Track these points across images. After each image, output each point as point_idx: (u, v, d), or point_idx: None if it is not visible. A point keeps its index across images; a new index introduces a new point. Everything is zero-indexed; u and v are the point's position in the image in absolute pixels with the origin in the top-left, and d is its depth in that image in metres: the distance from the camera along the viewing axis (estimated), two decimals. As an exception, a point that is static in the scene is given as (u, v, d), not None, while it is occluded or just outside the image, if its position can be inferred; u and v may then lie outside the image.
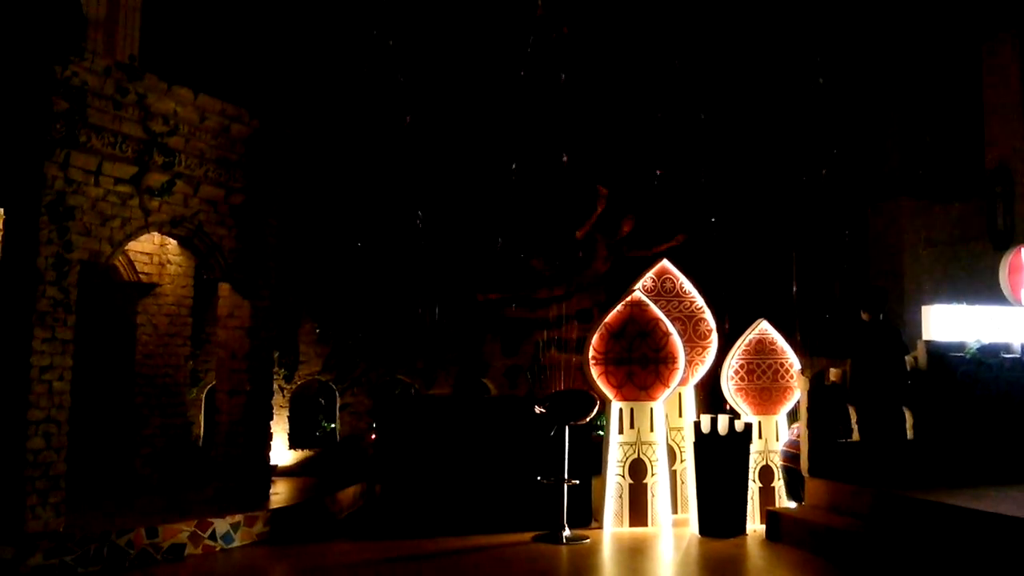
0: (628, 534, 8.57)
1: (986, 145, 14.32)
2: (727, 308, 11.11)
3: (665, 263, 9.69)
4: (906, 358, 8.91)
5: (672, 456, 9.28)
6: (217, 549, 7.60)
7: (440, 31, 14.18)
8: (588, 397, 8.63)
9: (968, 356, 8.82)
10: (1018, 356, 9.00)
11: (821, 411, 8.50)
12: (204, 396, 11.22)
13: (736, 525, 8.50)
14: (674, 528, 8.77)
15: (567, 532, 8.22)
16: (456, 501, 8.78)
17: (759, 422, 9.06)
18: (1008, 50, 14.00)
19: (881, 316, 9.03)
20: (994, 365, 8.88)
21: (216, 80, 9.20)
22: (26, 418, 6.79)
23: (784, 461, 9.01)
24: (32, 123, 6.91)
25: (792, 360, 9.19)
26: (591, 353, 8.90)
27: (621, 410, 8.89)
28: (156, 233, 8.71)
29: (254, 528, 7.97)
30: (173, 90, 7.69)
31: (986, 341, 8.92)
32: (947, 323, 9.01)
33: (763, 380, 9.10)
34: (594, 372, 8.88)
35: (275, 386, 10.41)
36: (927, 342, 8.87)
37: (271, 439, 9.14)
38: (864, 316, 9.09)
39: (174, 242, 9.34)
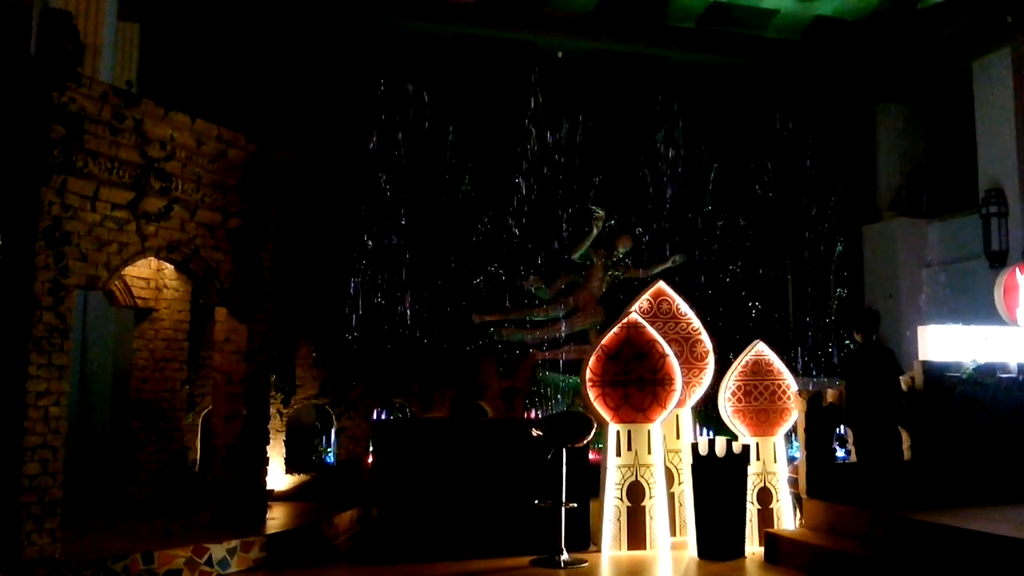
0: (626, 557, 8.54)
1: (980, 163, 14.38)
2: (723, 329, 11.13)
3: (661, 284, 9.68)
4: (902, 379, 8.92)
5: (670, 478, 9.24)
6: (214, 575, 7.56)
7: (435, 56, 14.28)
8: (585, 419, 8.60)
9: (965, 376, 8.81)
10: (1015, 376, 8.99)
11: (819, 432, 8.48)
12: (200, 421, 11.18)
13: (735, 547, 8.46)
14: (673, 551, 8.72)
15: (565, 556, 8.17)
16: (453, 525, 8.74)
17: (757, 444, 9.04)
18: (999, 69, 14.08)
19: (874, 337, 9.05)
20: (991, 385, 8.87)
21: (213, 105, 9.26)
22: (22, 444, 6.75)
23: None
24: (29, 149, 6.91)
25: (789, 381, 9.18)
26: (588, 375, 8.88)
27: (618, 432, 8.86)
28: (153, 258, 8.71)
29: (250, 553, 7.91)
30: (170, 115, 7.71)
31: (982, 361, 8.92)
32: (943, 343, 9.03)
33: (760, 401, 9.08)
34: (591, 394, 8.86)
35: (272, 410, 10.39)
36: (923, 362, 8.87)
37: (267, 463, 9.11)
38: (858, 337, 9.13)
39: (171, 267, 9.35)
